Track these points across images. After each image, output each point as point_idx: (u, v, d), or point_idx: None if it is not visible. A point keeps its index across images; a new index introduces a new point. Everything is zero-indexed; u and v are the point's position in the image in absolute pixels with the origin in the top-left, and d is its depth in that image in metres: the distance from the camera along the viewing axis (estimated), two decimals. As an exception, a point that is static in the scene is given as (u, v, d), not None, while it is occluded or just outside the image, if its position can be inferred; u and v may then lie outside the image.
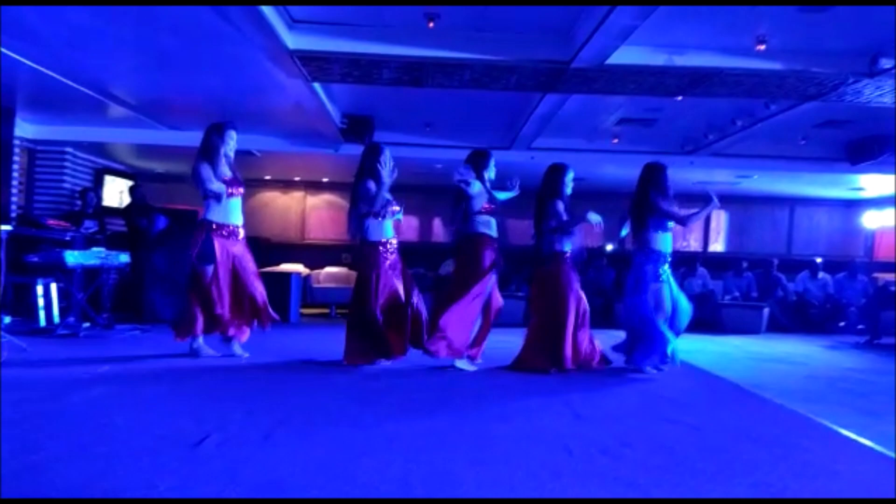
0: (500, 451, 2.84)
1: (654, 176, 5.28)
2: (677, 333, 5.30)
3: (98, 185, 9.84)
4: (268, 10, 4.61)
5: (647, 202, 5.21)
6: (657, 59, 5.46)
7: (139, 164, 10.90)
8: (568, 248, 5.30)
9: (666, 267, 5.25)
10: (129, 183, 10.16)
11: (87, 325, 6.87)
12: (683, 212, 5.42)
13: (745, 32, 5.06)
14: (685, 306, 5.36)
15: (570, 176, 5.37)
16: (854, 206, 12.23)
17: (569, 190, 5.37)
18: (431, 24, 5.08)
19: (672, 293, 5.30)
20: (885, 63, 5.31)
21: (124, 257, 7.07)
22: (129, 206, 9.29)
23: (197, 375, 4.47)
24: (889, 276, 10.69)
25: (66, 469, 2.43)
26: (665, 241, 5.25)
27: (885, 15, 4.69)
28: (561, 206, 5.26)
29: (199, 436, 2.87)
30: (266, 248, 10.93)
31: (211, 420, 3.17)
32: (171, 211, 8.68)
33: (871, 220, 12.13)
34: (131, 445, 2.74)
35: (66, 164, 9.33)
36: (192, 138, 8.87)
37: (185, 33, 5.24)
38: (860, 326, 9.22)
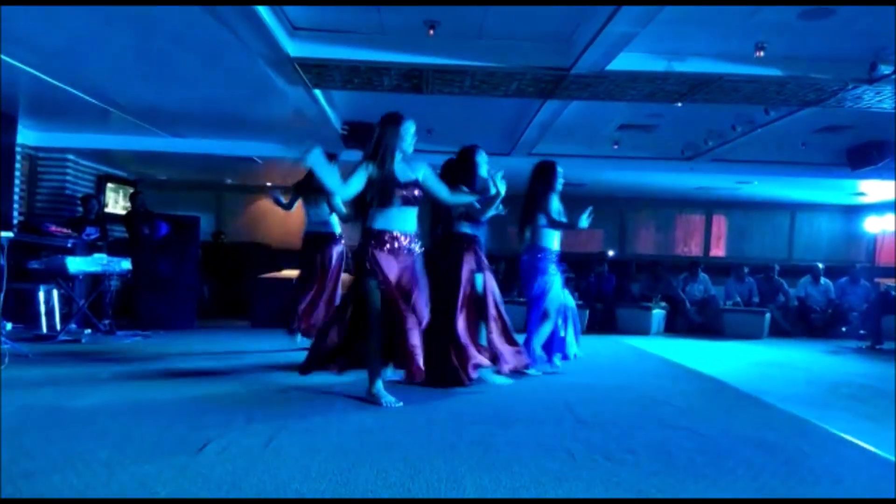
0: (503, 457, 2.84)
1: (543, 174, 5.35)
2: (577, 333, 5.58)
3: (100, 191, 9.87)
4: (268, 18, 4.64)
5: (534, 200, 5.30)
6: (657, 65, 5.47)
7: (141, 170, 10.94)
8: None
9: (554, 265, 5.38)
10: (130, 190, 10.20)
11: (88, 331, 6.89)
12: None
13: (744, 39, 5.08)
14: (573, 306, 5.66)
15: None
16: (855, 211, 12.23)
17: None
18: (432, 32, 5.11)
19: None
20: (884, 69, 5.33)
21: (126, 264, 7.09)
22: (130, 213, 9.32)
23: (198, 382, 4.47)
24: (890, 282, 10.67)
25: (67, 475, 2.43)
26: (551, 238, 5.34)
27: (883, 21, 4.70)
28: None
29: (200, 442, 2.88)
30: (267, 254, 10.96)
31: (212, 427, 3.17)
32: (173, 218, 8.69)
33: (873, 225, 12.13)
34: (132, 452, 2.74)
35: (68, 170, 9.35)
36: (194, 145, 8.98)
37: (187, 41, 5.27)
38: (862, 332, 9.21)
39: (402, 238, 3.96)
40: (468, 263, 4.66)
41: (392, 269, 3.89)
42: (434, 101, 6.65)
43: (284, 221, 12.12)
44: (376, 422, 3.41)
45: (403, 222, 3.97)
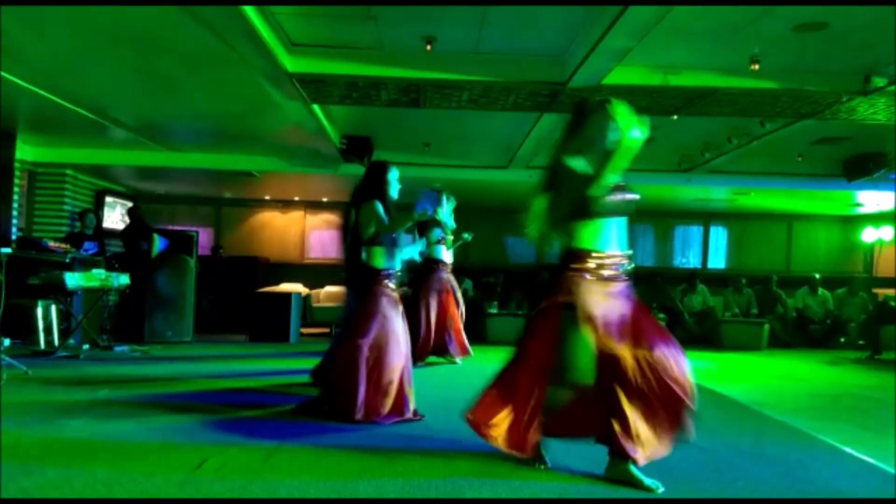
0: (502, 472, 2.83)
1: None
2: None
3: (98, 206, 9.88)
4: (266, 34, 4.67)
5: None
6: (653, 78, 5.51)
7: (139, 185, 10.96)
8: (389, 265, 4.12)
9: None
10: (129, 204, 10.21)
11: (87, 346, 6.87)
12: None
13: (739, 52, 5.11)
14: None
15: (394, 175, 4.29)
16: (852, 221, 12.26)
17: (394, 193, 4.28)
18: (429, 47, 5.14)
19: None
20: (878, 81, 5.37)
21: (124, 279, 7.08)
22: (128, 228, 9.33)
23: (195, 398, 4.46)
24: (889, 292, 10.69)
25: (65, 493, 2.42)
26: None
27: (878, 34, 4.75)
28: (381, 208, 4.11)
29: (198, 459, 2.87)
30: (265, 268, 10.96)
31: (210, 443, 3.16)
32: (171, 232, 8.70)
33: (870, 235, 12.16)
34: (131, 469, 2.73)
35: (67, 185, 9.36)
36: (192, 159, 9.01)
37: (185, 56, 5.30)
38: (861, 342, 9.21)
39: None
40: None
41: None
42: (432, 114, 6.68)
43: (282, 236, 12.17)
44: (373, 440, 3.39)
45: None
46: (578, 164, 2.88)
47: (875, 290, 10.96)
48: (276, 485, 2.58)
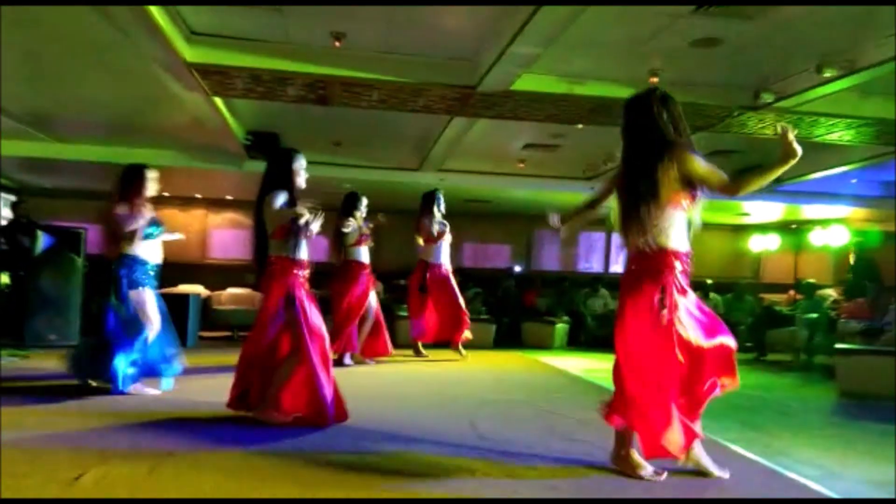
0: (405, 476, 2.78)
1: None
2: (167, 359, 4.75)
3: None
4: (163, 21, 4.42)
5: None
6: (559, 87, 5.64)
7: (25, 178, 10.20)
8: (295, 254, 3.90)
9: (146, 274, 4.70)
10: (12, 198, 9.49)
11: (-43, 351, 6.30)
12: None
13: (640, 65, 5.30)
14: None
15: (300, 163, 4.03)
16: (741, 230, 13.02)
17: (301, 182, 4.03)
18: (338, 44, 5.04)
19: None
20: (766, 97, 5.70)
21: (4, 278, 6.56)
22: (11, 223, 8.64)
23: (78, 406, 4.16)
24: (774, 297, 11.41)
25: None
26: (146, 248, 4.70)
27: (767, 52, 5.04)
28: (284, 198, 3.89)
29: (76, 471, 2.66)
30: (163, 268, 10.43)
31: (90, 454, 2.94)
32: (57, 229, 8.11)
33: (757, 244, 12.95)
34: (7, 480, 2.49)
35: (-60, 176, 8.60)
36: (83, 151, 8.45)
37: (70, 41, 4.96)
38: (748, 344, 9.77)
39: None
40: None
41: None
42: (342, 113, 6.56)
43: (184, 234, 11.64)
44: (269, 447, 3.26)
45: None
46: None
47: (761, 295, 11.67)
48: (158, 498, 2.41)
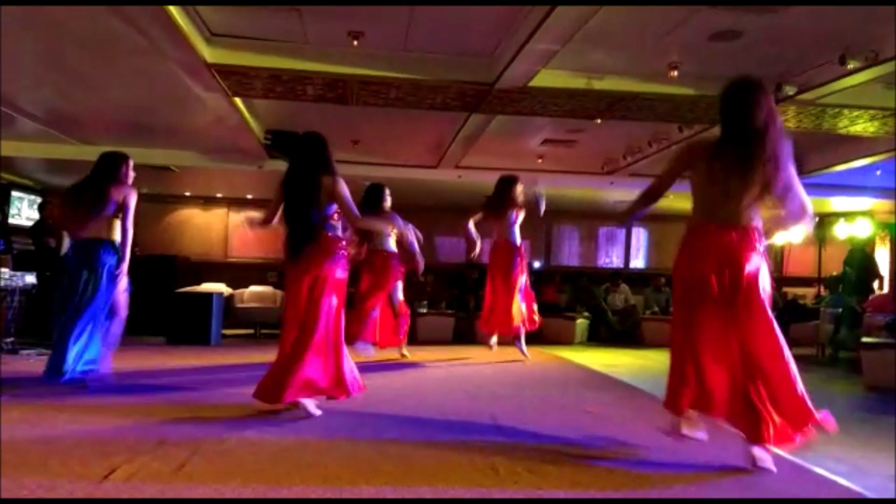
0: (427, 474, 2.80)
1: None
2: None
3: (4, 201, 9.30)
4: (184, 23, 4.48)
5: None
6: (577, 82, 5.61)
7: (49, 179, 10.38)
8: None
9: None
10: (38, 200, 9.67)
11: (-12, 350, 6.44)
12: None
13: (659, 59, 5.27)
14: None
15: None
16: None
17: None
18: (356, 42, 5.07)
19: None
20: (789, 90, 5.63)
21: (31, 278, 6.69)
22: (37, 224, 8.80)
23: (105, 403, 4.23)
24: (797, 290, 11.29)
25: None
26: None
27: (789, 43, 4.98)
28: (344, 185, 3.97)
29: (106, 469, 2.71)
30: (185, 268, 10.57)
31: (119, 451, 3.00)
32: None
33: (780, 236, 12.75)
34: (30, 483, 2.55)
35: (-32, 179, 8.78)
36: (105, 153, 8.56)
37: (94, 45, 5.03)
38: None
39: None
40: None
41: None
42: (361, 111, 6.59)
43: (204, 234, 11.78)
44: (294, 442, 3.31)
45: None
46: None
47: (784, 289, 11.53)
48: (188, 494, 2.46)
